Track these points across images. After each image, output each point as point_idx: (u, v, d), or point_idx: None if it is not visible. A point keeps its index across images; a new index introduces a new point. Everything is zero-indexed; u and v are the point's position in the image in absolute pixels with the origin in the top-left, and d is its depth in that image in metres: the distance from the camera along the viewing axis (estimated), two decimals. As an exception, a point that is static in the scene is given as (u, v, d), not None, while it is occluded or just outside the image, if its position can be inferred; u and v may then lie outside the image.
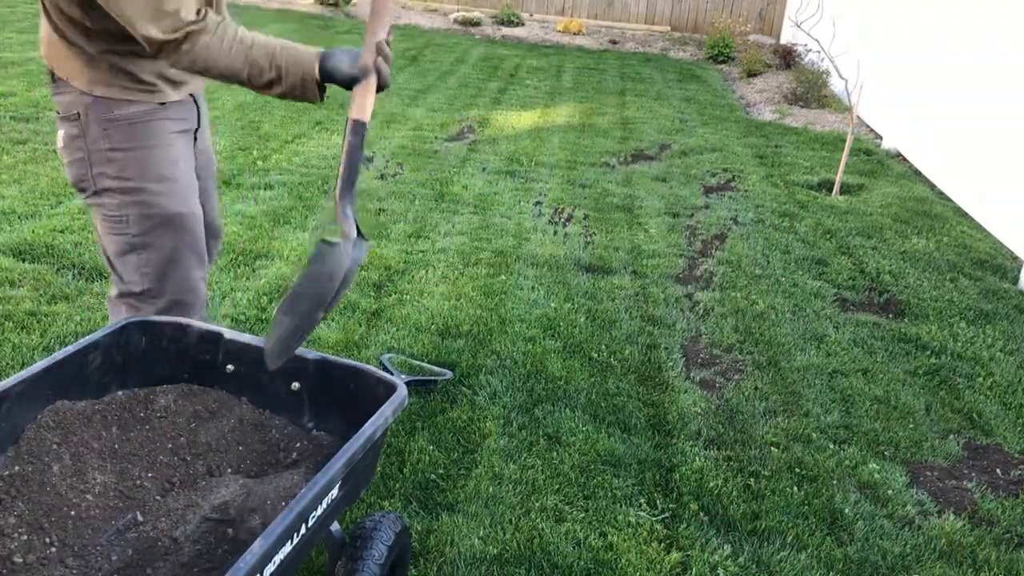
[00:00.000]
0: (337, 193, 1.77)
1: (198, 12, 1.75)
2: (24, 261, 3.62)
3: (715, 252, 4.51)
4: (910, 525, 2.54)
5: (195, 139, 2.18)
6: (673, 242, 4.60)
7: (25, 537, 1.44)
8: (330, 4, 11.77)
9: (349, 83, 1.79)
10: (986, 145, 5.30)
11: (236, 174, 4.99)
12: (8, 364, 2.85)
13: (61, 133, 1.99)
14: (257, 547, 1.26)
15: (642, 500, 2.52)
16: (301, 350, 1.86)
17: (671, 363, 3.32)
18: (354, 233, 1.73)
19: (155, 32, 1.72)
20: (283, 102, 6.78)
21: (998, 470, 2.86)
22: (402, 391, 1.71)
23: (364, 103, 1.77)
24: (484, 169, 5.64)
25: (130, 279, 2.06)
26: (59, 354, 1.70)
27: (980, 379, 3.41)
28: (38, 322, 3.13)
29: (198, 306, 2.15)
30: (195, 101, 2.14)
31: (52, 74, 1.98)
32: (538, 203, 5.07)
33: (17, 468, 1.53)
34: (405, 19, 11.85)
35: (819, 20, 7.02)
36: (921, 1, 6.83)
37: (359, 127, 1.76)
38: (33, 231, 3.88)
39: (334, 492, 1.51)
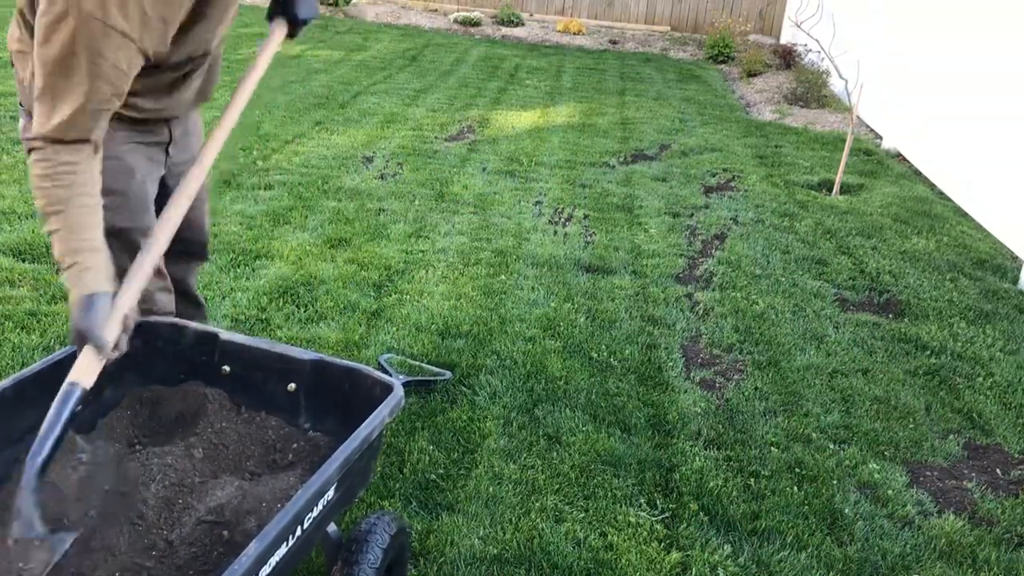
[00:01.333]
0: (26, 480, 1.43)
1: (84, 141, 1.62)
2: (24, 261, 3.62)
3: (715, 252, 4.50)
4: (910, 525, 2.54)
5: (167, 153, 2.10)
6: (673, 242, 4.59)
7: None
8: (330, 4, 11.77)
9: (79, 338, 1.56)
10: (986, 145, 5.29)
11: (236, 174, 4.99)
12: (8, 364, 2.85)
13: (21, 123, 1.91)
14: (252, 549, 1.26)
15: (642, 500, 2.52)
16: (298, 351, 1.86)
17: (671, 363, 3.32)
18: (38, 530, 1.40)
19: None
20: (283, 103, 6.78)
21: (998, 470, 2.86)
22: (399, 392, 1.70)
23: (89, 367, 1.53)
24: (484, 169, 5.63)
25: None
26: (55, 355, 1.70)
27: (980, 379, 3.40)
28: (38, 322, 3.13)
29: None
30: (167, 123, 2.05)
31: (12, 63, 1.92)
32: (538, 203, 5.06)
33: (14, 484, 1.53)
34: (405, 19, 11.85)
35: (819, 20, 7.01)
36: (921, 1, 6.82)
37: (75, 392, 1.50)
38: (33, 231, 3.88)
39: (330, 493, 1.50)
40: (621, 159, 6.18)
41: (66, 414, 1.47)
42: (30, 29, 1.80)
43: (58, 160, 1.61)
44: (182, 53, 1.83)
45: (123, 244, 1.96)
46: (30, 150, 1.63)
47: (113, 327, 1.57)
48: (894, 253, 4.68)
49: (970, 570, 2.37)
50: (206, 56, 1.96)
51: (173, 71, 1.89)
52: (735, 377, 3.27)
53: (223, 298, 3.46)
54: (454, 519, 2.35)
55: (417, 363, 3.07)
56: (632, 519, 2.42)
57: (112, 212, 1.87)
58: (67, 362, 1.71)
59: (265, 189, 4.80)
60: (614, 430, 2.84)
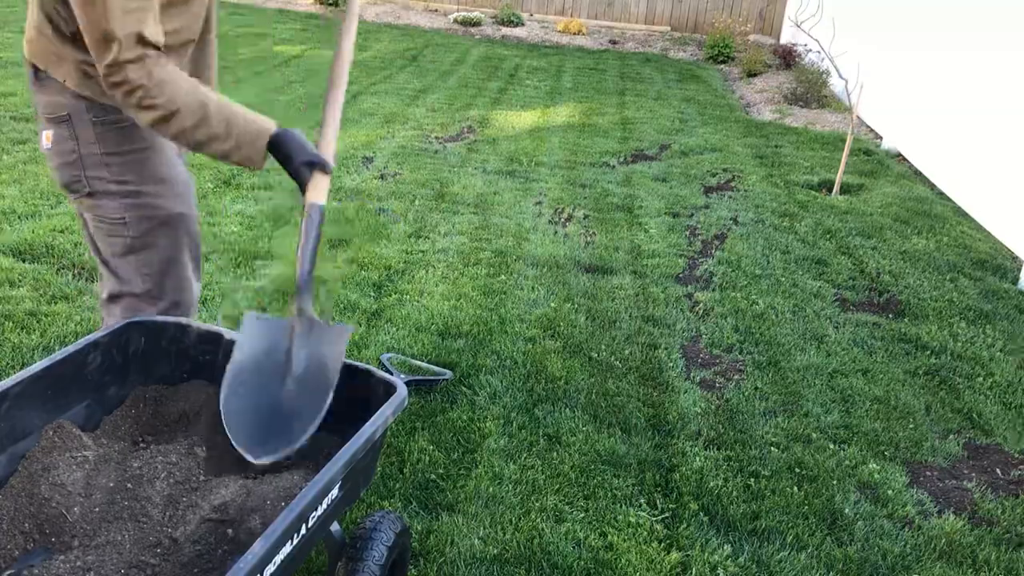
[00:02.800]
0: (300, 282, 1.77)
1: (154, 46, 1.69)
2: (24, 261, 3.62)
3: (715, 252, 4.51)
4: (910, 525, 2.54)
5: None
6: (673, 242, 4.60)
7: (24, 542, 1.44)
8: (330, 4, 11.77)
9: (294, 169, 1.85)
10: (986, 145, 5.29)
11: (236, 174, 4.99)
12: (8, 364, 2.85)
13: (48, 134, 1.94)
14: (257, 547, 1.26)
15: (642, 500, 2.52)
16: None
17: (671, 363, 3.32)
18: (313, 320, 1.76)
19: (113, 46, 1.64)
20: (283, 103, 6.78)
21: (998, 470, 2.86)
22: (402, 391, 1.70)
23: (320, 186, 1.83)
24: (484, 169, 5.64)
25: (129, 279, 2.02)
26: (59, 354, 1.70)
27: (980, 379, 3.41)
28: (38, 322, 3.13)
29: (193, 306, 2.13)
30: None
31: (36, 71, 1.94)
32: (538, 203, 5.07)
33: (18, 482, 1.53)
34: (405, 19, 11.85)
35: (819, 20, 7.02)
36: (921, 1, 6.83)
37: (318, 211, 1.81)
38: (33, 231, 3.88)
39: (334, 492, 1.51)
40: (621, 159, 6.19)
41: (315, 231, 1.77)
42: (55, 23, 1.88)
43: (157, 77, 1.69)
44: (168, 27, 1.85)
45: (176, 231, 2.04)
46: (126, 89, 1.68)
47: (327, 147, 1.88)
48: (894, 253, 4.69)
49: (970, 570, 2.38)
50: (189, 43, 2.00)
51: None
52: (735, 377, 3.28)
53: (223, 298, 3.46)
54: (454, 519, 2.35)
55: (417, 363, 3.07)
56: (632, 519, 2.43)
57: (164, 199, 1.98)
58: (67, 361, 1.72)
59: (265, 189, 4.80)
60: (614, 430, 2.84)
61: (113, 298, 2.07)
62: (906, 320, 3.89)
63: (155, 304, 2.04)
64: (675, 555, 2.31)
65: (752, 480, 2.66)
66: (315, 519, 1.45)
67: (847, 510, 2.56)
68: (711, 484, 2.61)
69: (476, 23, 11.71)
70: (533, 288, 3.86)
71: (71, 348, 1.73)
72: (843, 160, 5.72)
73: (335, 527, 1.79)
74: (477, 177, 5.45)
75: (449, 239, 4.36)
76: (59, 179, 1.97)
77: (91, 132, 1.89)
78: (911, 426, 3.05)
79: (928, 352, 3.60)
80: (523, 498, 2.47)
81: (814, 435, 2.93)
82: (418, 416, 2.79)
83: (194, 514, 1.51)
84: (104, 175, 1.92)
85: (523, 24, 12.07)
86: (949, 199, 5.72)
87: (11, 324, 3.10)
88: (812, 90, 8.38)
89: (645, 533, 2.38)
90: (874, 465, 2.80)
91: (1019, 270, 4.53)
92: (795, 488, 2.64)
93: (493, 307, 3.62)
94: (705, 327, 3.66)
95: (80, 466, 1.58)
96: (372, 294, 3.66)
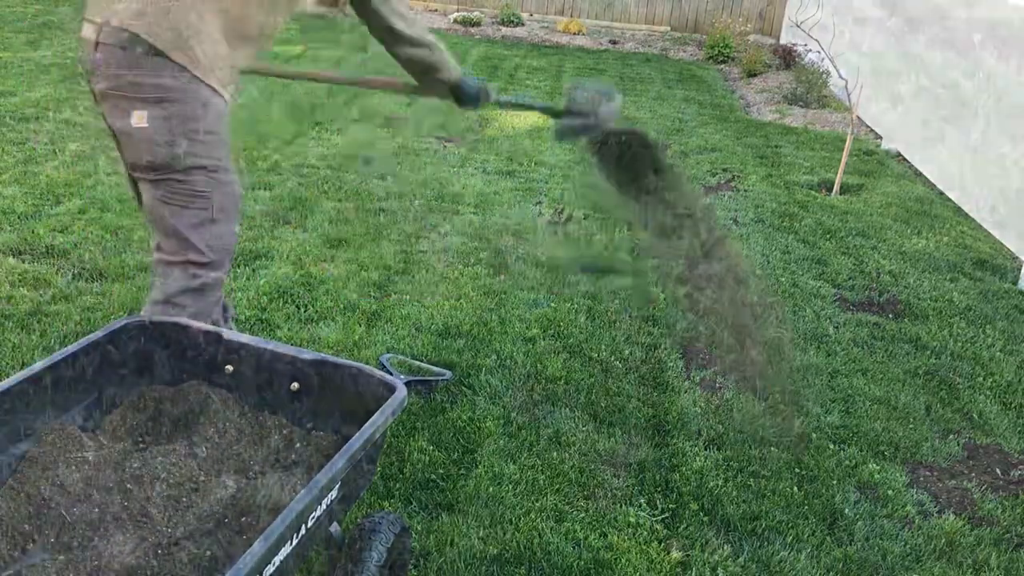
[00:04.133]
0: None
1: None
2: (24, 261, 3.62)
3: (715, 252, 4.50)
4: (910, 525, 2.54)
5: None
6: (673, 242, 4.60)
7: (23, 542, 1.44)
8: (330, 4, 11.76)
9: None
10: (986, 145, 5.29)
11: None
12: (8, 364, 2.85)
13: (143, 114, 2.01)
14: (257, 548, 1.26)
15: (642, 500, 2.52)
16: (301, 351, 1.86)
17: (671, 363, 3.32)
18: None
19: None
20: (283, 103, 6.78)
21: (998, 470, 2.86)
22: (402, 391, 1.71)
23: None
24: (484, 169, 5.63)
25: (200, 249, 2.13)
26: (59, 354, 1.70)
27: (980, 379, 3.41)
28: (38, 322, 3.13)
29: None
30: None
31: (149, 49, 1.96)
32: (538, 203, 5.07)
33: (18, 482, 1.53)
34: (405, 19, 11.84)
35: (819, 20, 7.01)
36: (921, 2, 6.83)
37: None
38: (33, 231, 3.88)
39: (334, 493, 1.51)
40: (621, 159, 6.17)
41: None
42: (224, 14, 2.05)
43: None
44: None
45: (238, 211, 2.23)
46: None
47: None
48: (894, 253, 4.69)
49: (970, 570, 2.38)
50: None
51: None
52: (735, 377, 3.28)
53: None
54: (454, 519, 2.35)
55: (417, 363, 3.07)
56: (632, 519, 2.43)
57: (236, 182, 2.18)
58: (67, 361, 1.72)
59: (265, 189, 4.80)
60: (614, 430, 2.84)
61: (173, 263, 2.15)
62: (906, 320, 3.89)
63: (216, 274, 2.17)
64: (675, 555, 2.31)
65: (752, 480, 2.66)
66: (315, 519, 1.45)
67: (847, 510, 2.56)
68: (711, 484, 2.61)
69: (476, 23, 11.70)
70: (533, 288, 3.86)
71: (71, 348, 1.73)
72: (843, 160, 5.72)
73: (335, 527, 1.79)
74: (477, 177, 5.44)
75: (449, 239, 4.36)
76: (152, 156, 2.05)
77: (198, 109, 2.02)
78: (911, 426, 3.05)
79: (928, 352, 3.60)
80: (523, 498, 2.47)
81: (814, 435, 2.93)
82: (418, 416, 2.79)
83: (194, 514, 1.51)
84: (200, 151, 2.05)
85: (523, 24, 12.07)
86: (949, 199, 5.72)
87: (11, 324, 3.10)
88: (812, 90, 8.37)
89: (645, 533, 2.38)
90: (874, 465, 2.80)
91: (1019, 270, 4.53)
92: (795, 488, 2.64)
93: (493, 307, 3.62)
94: (705, 327, 3.66)
95: (80, 467, 1.58)
96: (372, 294, 3.66)
